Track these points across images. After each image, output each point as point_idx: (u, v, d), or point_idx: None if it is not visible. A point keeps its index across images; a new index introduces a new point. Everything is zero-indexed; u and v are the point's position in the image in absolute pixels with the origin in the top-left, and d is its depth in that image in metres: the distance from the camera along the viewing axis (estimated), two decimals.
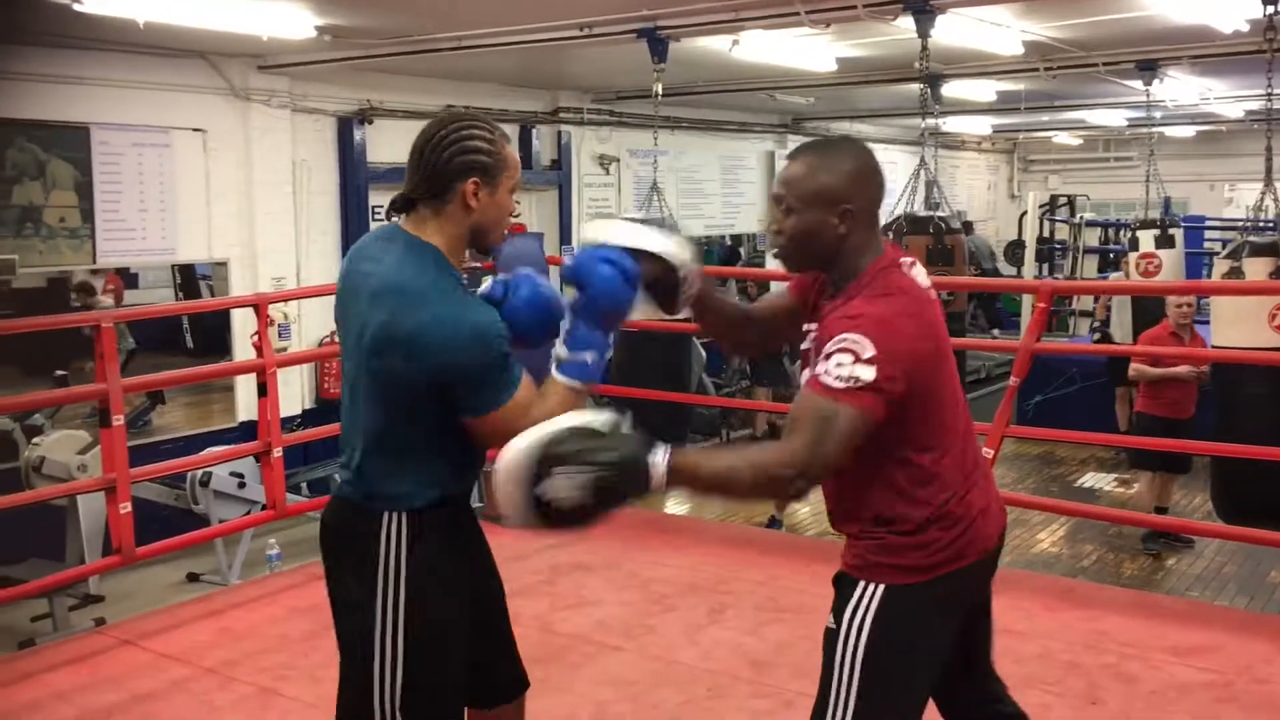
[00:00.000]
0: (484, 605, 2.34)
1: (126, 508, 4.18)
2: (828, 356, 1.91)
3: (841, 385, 1.89)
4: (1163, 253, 7.89)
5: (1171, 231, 8.03)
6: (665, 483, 1.85)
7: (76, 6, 5.05)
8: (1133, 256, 8.09)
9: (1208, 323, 5.72)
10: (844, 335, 1.92)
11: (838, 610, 2.12)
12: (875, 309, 1.97)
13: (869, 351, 1.89)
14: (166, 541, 4.68)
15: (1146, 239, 7.95)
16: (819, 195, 2.05)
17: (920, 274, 2.12)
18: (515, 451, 1.82)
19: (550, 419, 1.88)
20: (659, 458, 1.84)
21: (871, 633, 2.07)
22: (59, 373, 7.40)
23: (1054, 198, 14.94)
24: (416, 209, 2.14)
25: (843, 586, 2.15)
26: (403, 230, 2.15)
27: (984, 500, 2.15)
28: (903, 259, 2.12)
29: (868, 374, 1.88)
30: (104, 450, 4.29)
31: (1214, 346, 5.81)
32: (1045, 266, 13.54)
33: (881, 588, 2.09)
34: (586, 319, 2.10)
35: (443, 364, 2.02)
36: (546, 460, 1.81)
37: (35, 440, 6.17)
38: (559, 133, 9.74)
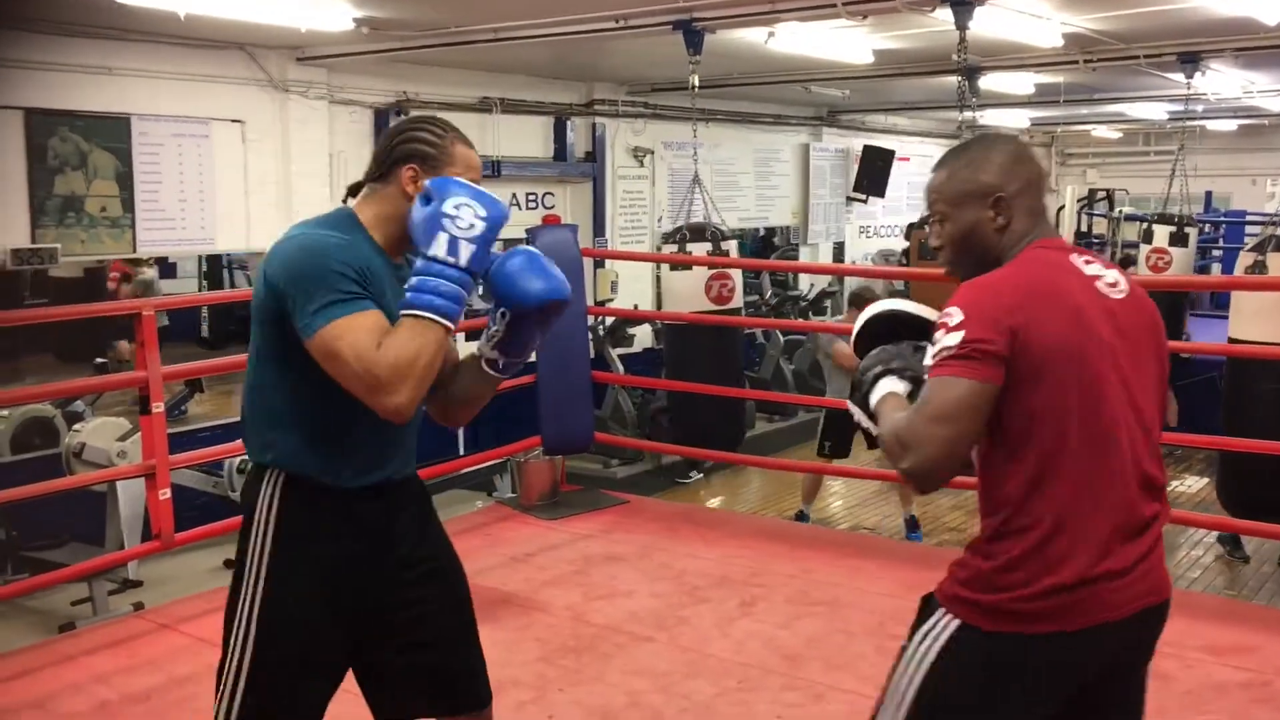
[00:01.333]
0: (396, 606, 2.24)
1: (166, 494, 4.25)
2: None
3: (933, 361, 1.78)
4: (1175, 250, 7.82)
5: (1187, 230, 7.96)
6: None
7: None
8: (1144, 249, 8.02)
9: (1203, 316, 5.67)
10: (941, 314, 1.83)
11: (913, 628, 1.93)
12: (979, 279, 1.86)
13: (956, 318, 1.78)
14: (204, 528, 4.75)
15: (1161, 234, 7.88)
16: (966, 192, 1.95)
17: (1081, 262, 1.91)
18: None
19: (403, 352, 1.93)
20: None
21: (931, 671, 1.85)
22: (99, 360, 7.50)
23: (1092, 192, 14.78)
24: (363, 191, 2.21)
25: (926, 605, 1.93)
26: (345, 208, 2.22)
27: (1119, 562, 1.80)
28: (1069, 249, 1.94)
29: (954, 340, 1.75)
30: (144, 437, 4.35)
31: (1231, 340, 5.75)
32: None
33: (956, 623, 1.85)
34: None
35: (277, 275, 2.04)
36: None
37: (76, 427, 6.25)
38: (594, 125, 9.75)
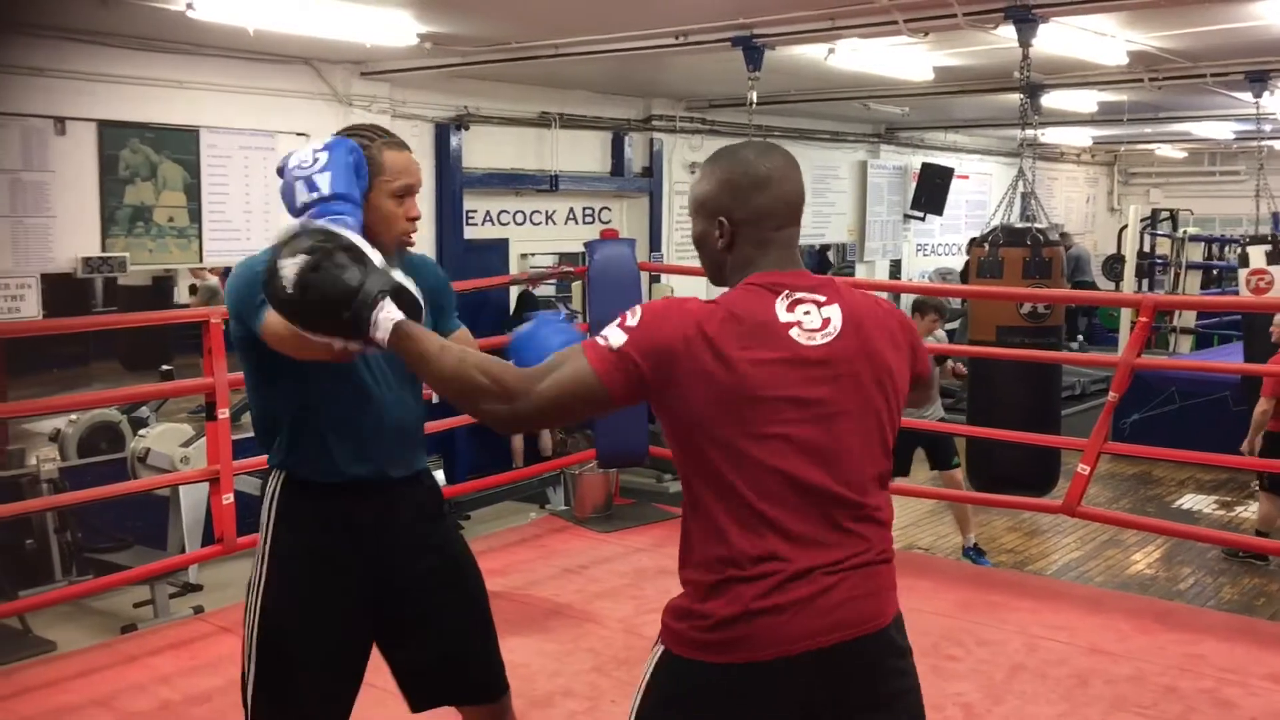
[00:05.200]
0: (400, 602, 2.31)
1: (229, 498, 4.31)
2: None
3: (593, 339, 1.78)
4: (1274, 269, 7.66)
5: None
6: (387, 334, 1.84)
7: (190, 13, 5.22)
8: (1243, 273, 7.86)
9: None
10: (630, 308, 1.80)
11: None
12: (677, 300, 1.81)
13: (633, 320, 1.76)
14: None
15: (1257, 255, 7.73)
16: (697, 203, 1.91)
17: (784, 306, 1.79)
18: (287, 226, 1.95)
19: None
20: (389, 310, 1.85)
21: (642, 703, 1.82)
22: (164, 367, 7.65)
23: (1155, 212, 14.57)
24: None
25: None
26: None
27: (806, 589, 1.72)
28: (779, 290, 1.80)
29: (618, 338, 1.74)
30: (209, 442, 4.43)
31: None
32: (1145, 282, 13.22)
33: (660, 650, 1.82)
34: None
35: (229, 305, 2.22)
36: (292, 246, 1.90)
37: (141, 432, 6.39)
38: (651, 140, 9.79)
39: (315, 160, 2.08)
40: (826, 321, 1.80)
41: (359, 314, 1.85)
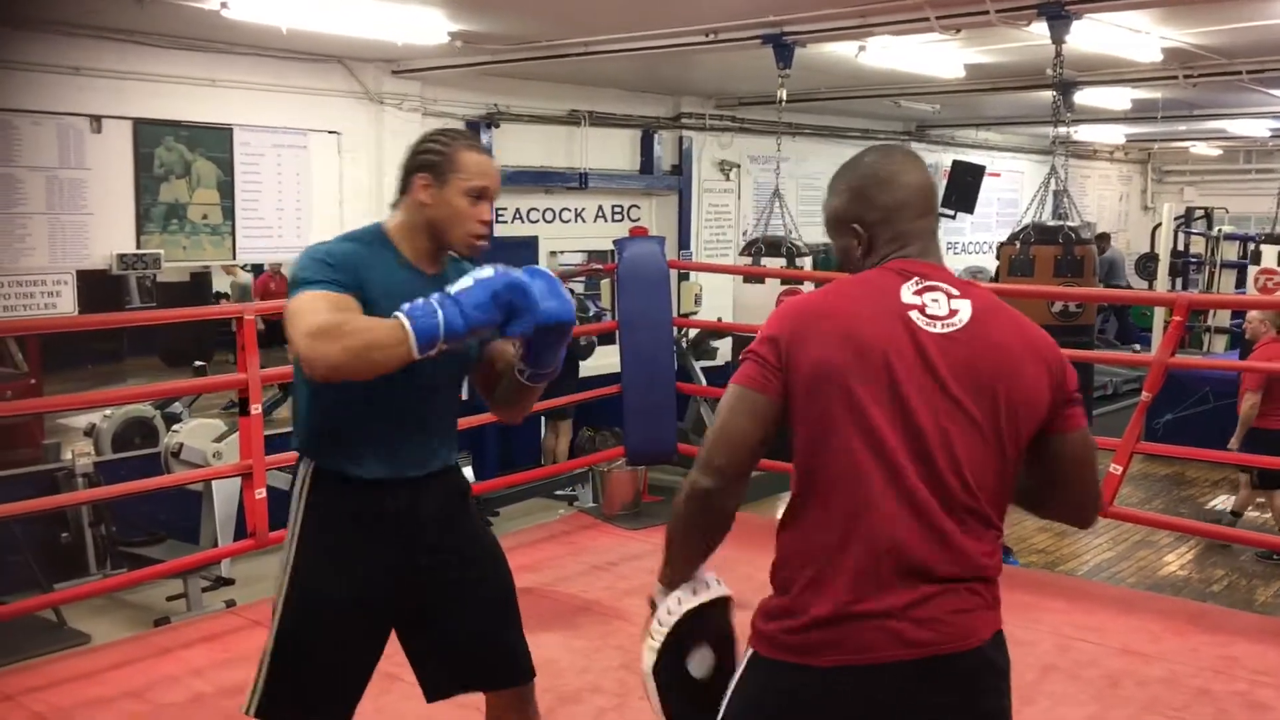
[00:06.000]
0: (423, 590, 2.36)
1: (262, 493, 4.35)
2: None
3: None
4: None
5: None
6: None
7: (224, 13, 5.27)
8: (1252, 270, 7.80)
9: None
10: None
11: None
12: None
13: (762, 330, 1.79)
14: None
15: (1269, 254, 7.66)
16: (830, 220, 1.94)
17: (910, 289, 1.77)
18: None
19: (355, 329, 2.01)
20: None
21: (730, 704, 1.80)
22: (198, 364, 7.72)
23: (1190, 210, 14.42)
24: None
25: None
26: None
27: (877, 604, 1.67)
28: (908, 274, 1.78)
29: (756, 349, 1.77)
30: (242, 437, 4.47)
31: None
32: (1179, 281, 13.09)
33: (750, 651, 1.80)
34: (492, 301, 2.04)
35: (289, 283, 2.24)
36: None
37: (174, 427, 6.45)
38: (680, 138, 9.78)
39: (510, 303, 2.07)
40: (954, 312, 1.75)
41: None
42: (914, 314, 1.73)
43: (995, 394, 1.72)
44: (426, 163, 2.28)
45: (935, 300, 1.75)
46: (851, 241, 1.86)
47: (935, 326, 1.72)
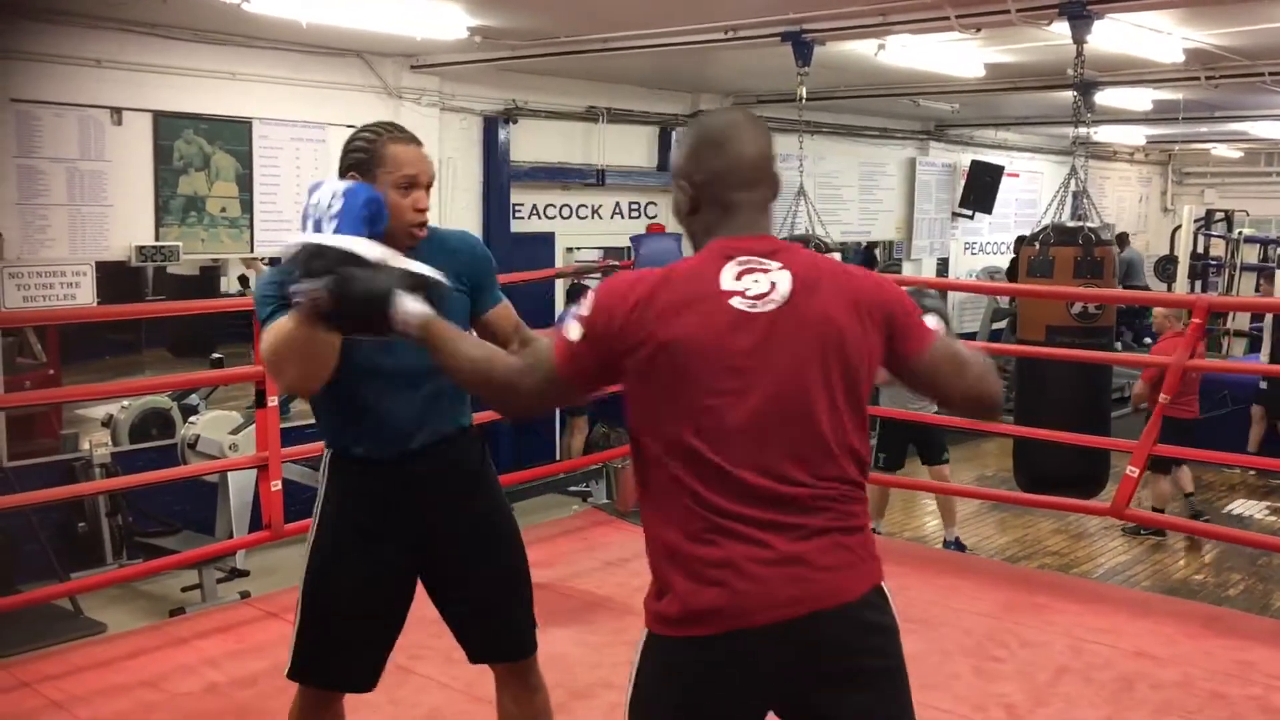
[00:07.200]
0: (438, 562, 2.48)
1: (277, 485, 4.37)
2: None
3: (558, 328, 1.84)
4: None
5: None
6: (413, 329, 1.88)
7: (245, 6, 5.29)
8: None
9: None
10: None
11: None
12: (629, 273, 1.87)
13: (585, 307, 1.81)
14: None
15: None
16: (672, 172, 1.94)
17: (732, 271, 1.77)
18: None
19: (274, 349, 2.14)
20: (411, 305, 1.88)
21: (632, 685, 1.87)
22: (214, 355, 7.75)
23: (1210, 212, 14.33)
24: None
25: None
26: None
27: (723, 553, 1.72)
28: (732, 254, 1.78)
29: (574, 329, 1.79)
30: (258, 430, 4.49)
31: None
32: (1198, 284, 13.01)
33: (645, 632, 1.85)
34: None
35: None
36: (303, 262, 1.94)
37: (191, 419, 6.49)
38: None
39: (330, 205, 2.09)
40: (774, 286, 1.75)
41: (380, 316, 1.90)
42: (735, 300, 1.74)
43: (826, 364, 1.75)
44: (355, 161, 2.33)
45: (756, 281, 1.75)
46: (681, 198, 1.88)
47: (756, 306, 1.73)
